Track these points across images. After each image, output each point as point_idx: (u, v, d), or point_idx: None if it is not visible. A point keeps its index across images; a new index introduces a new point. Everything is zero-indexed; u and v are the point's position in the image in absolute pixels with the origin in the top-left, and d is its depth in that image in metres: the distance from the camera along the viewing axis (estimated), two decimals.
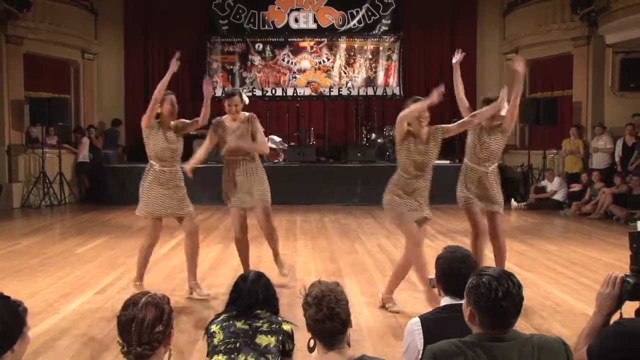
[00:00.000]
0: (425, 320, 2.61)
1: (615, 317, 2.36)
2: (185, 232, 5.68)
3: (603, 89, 12.51)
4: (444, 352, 2.07)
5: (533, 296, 5.44)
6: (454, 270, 2.68)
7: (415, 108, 4.78)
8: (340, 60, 15.54)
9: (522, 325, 4.38)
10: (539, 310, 5.09)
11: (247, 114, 5.87)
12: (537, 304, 5.24)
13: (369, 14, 15.42)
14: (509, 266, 6.71)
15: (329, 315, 2.24)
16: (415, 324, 2.60)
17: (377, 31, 15.48)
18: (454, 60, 5.69)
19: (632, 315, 2.35)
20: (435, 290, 3.10)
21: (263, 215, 5.75)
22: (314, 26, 15.50)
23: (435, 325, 2.55)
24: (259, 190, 5.72)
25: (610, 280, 2.39)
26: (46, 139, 12.88)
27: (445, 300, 2.71)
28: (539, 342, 2.11)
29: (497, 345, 2.05)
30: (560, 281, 6.13)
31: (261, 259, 7.25)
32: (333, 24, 15.48)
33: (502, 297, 2.04)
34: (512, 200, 12.44)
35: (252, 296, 2.91)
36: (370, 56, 15.54)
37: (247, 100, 5.87)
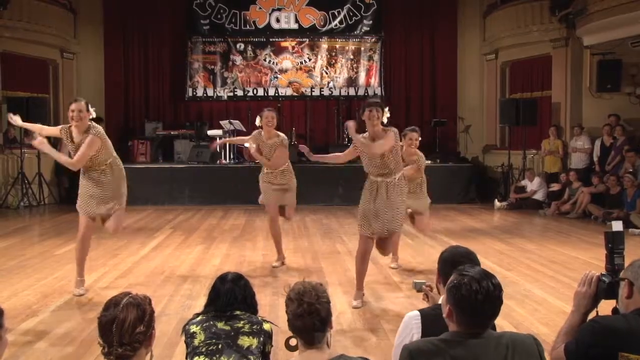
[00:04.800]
0: (425, 315, 2.58)
1: (592, 315, 2.40)
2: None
3: (581, 90, 12.66)
4: (421, 350, 2.09)
5: (513, 295, 5.50)
6: (457, 264, 2.66)
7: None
8: (321, 60, 15.54)
9: (502, 323, 4.43)
10: (519, 308, 5.15)
11: (93, 125, 5.59)
12: (517, 303, 5.30)
13: (351, 14, 15.45)
14: (489, 265, 6.79)
15: (308, 311, 2.28)
16: (414, 318, 2.56)
17: (358, 32, 15.50)
18: None
19: (609, 313, 2.40)
20: (421, 294, 3.11)
21: (114, 223, 5.74)
22: (296, 26, 15.48)
23: (434, 321, 2.50)
24: (113, 196, 5.69)
25: (586, 279, 2.43)
26: (24, 139, 12.70)
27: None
28: (512, 339, 2.15)
29: (473, 342, 2.07)
30: (540, 280, 6.21)
31: (245, 259, 7.26)
32: (314, 24, 15.47)
33: (483, 300, 2.06)
34: (496, 200, 12.56)
35: (230, 296, 2.91)
36: (351, 56, 15.56)
37: (94, 114, 5.64)
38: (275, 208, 6.84)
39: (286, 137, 6.87)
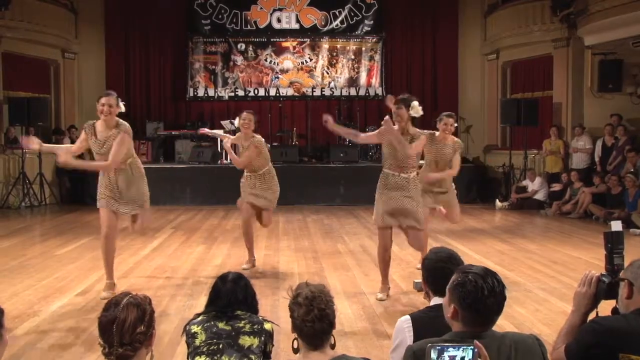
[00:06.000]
0: (415, 318, 2.61)
1: (592, 316, 2.39)
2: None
3: (582, 90, 12.65)
4: (424, 351, 2.09)
5: (514, 295, 5.49)
6: (439, 270, 2.68)
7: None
8: (322, 60, 15.54)
9: (504, 324, 4.43)
10: (521, 308, 5.15)
11: (121, 122, 5.46)
12: (518, 303, 5.30)
13: (352, 14, 15.45)
14: (490, 265, 6.78)
15: (319, 316, 2.30)
16: (405, 322, 2.60)
17: (359, 32, 15.51)
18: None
19: (609, 314, 2.40)
20: (422, 293, 3.12)
21: (139, 223, 5.72)
22: (297, 26, 15.48)
23: (425, 324, 2.55)
24: (136, 197, 5.58)
25: (586, 279, 2.43)
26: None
27: (435, 300, 2.70)
28: (514, 339, 2.15)
29: None
30: (541, 280, 6.20)
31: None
32: (315, 24, 15.47)
33: (488, 295, 2.07)
34: (497, 200, 12.55)
35: (231, 296, 2.91)
36: (352, 56, 15.56)
37: (123, 108, 5.49)
38: (247, 209, 6.61)
39: (262, 139, 6.62)
